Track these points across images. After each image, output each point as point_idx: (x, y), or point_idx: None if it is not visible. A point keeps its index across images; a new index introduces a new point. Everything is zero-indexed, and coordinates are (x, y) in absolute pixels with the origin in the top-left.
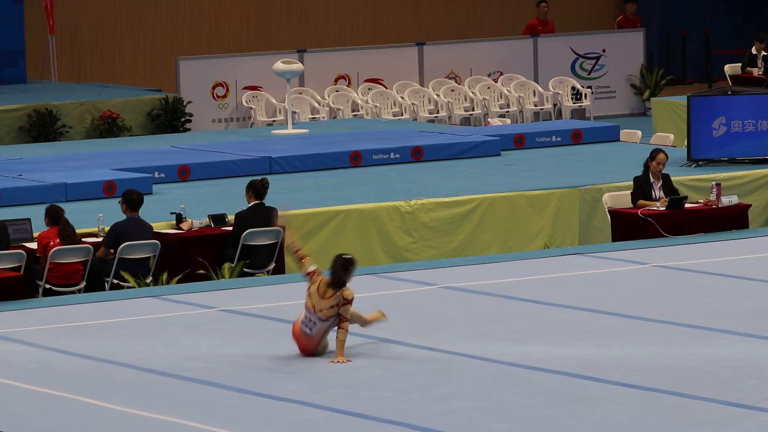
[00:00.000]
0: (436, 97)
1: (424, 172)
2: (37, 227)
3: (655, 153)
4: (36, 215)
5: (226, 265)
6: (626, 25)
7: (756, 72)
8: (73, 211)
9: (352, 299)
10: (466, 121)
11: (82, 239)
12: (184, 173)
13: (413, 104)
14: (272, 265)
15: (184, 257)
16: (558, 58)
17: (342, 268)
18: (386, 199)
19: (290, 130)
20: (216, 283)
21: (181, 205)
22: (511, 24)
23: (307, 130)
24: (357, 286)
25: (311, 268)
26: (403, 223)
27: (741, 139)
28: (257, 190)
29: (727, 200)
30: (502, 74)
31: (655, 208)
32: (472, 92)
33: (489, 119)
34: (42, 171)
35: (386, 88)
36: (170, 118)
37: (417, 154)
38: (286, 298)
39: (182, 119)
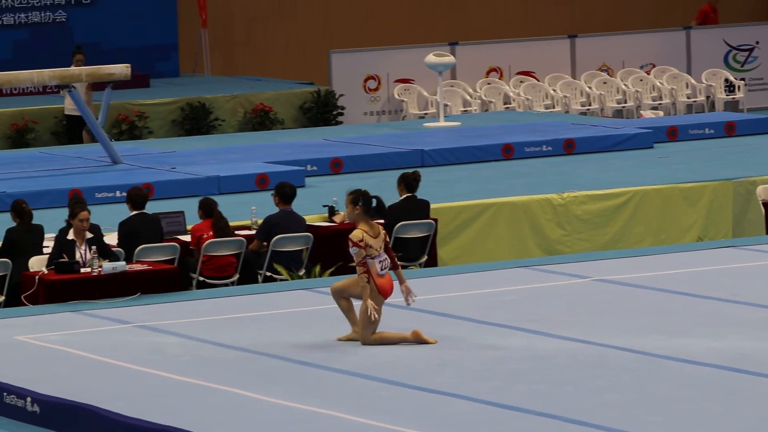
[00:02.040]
0: (588, 89)
1: (577, 165)
2: (190, 220)
3: None
4: (189, 208)
5: None
6: None
7: None
8: (226, 204)
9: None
10: (618, 113)
11: (235, 232)
12: (336, 166)
13: (565, 97)
14: (425, 258)
15: (336, 250)
16: (711, 50)
17: (370, 201)
18: (538, 191)
19: (442, 123)
20: None
21: (334, 197)
22: (664, 15)
23: (459, 123)
24: (510, 278)
25: (361, 255)
26: (555, 215)
27: None
28: (409, 182)
29: None
30: (654, 66)
31: None
32: (625, 84)
33: (641, 111)
34: (195, 164)
35: (538, 81)
36: (322, 111)
37: (569, 147)
38: (438, 291)
39: (334, 112)
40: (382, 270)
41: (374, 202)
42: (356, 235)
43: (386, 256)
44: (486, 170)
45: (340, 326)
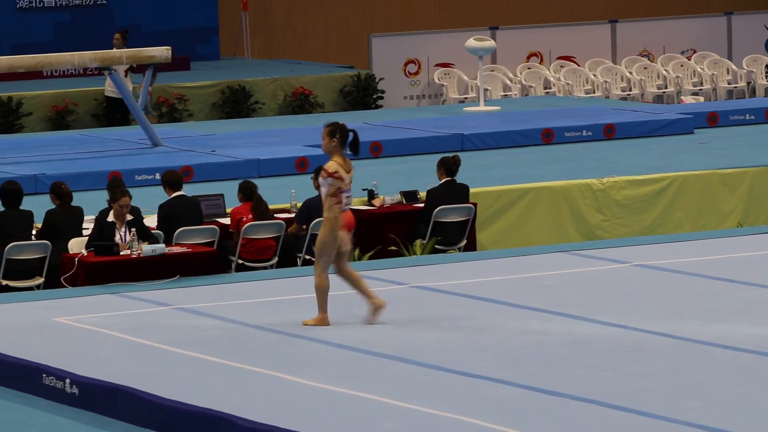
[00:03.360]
0: (628, 74)
1: (617, 150)
2: (230, 203)
3: None
4: (229, 191)
5: (418, 242)
6: None
7: None
8: (265, 187)
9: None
10: (658, 98)
11: (275, 215)
12: (376, 150)
13: (605, 82)
14: (464, 242)
15: (375, 234)
16: (752, 35)
17: (347, 134)
18: (578, 176)
19: (482, 108)
20: (407, 259)
21: (373, 181)
22: (704, 1)
23: (499, 108)
24: (549, 263)
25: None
26: (595, 200)
27: None
28: (449, 167)
29: None
30: (695, 52)
31: None
32: (665, 70)
33: (682, 97)
34: (235, 147)
35: (578, 66)
36: (362, 94)
37: (609, 132)
38: (477, 275)
39: (374, 96)
40: (345, 206)
41: (351, 136)
42: (331, 166)
43: (351, 193)
44: (526, 155)
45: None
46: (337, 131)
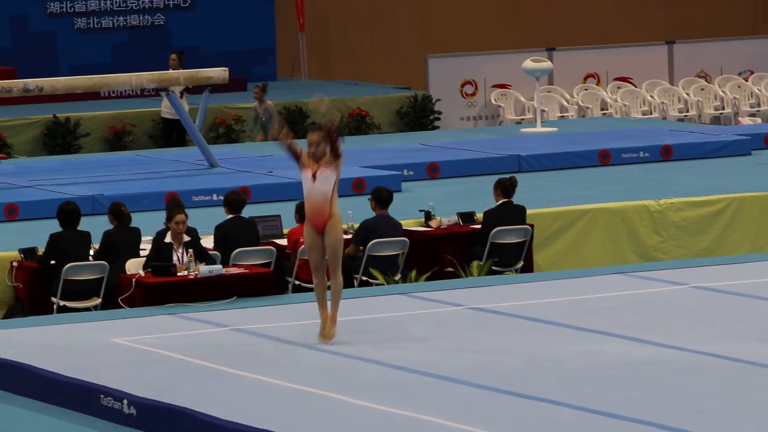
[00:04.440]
0: (685, 95)
1: (674, 171)
2: (287, 224)
3: None
4: (286, 212)
5: (475, 263)
6: None
7: None
8: None
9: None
10: (716, 120)
11: None
12: (433, 171)
13: (662, 103)
14: (521, 264)
15: (432, 255)
16: None
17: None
18: (635, 197)
19: (539, 129)
20: (464, 281)
21: (430, 202)
22: (762, 22)
23: (556, 129)
24: (606, 285)
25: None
26: (652, 222)
27: None
28: (506, 188)
29: None
30: (752, 73)
31: None
32: (723, 91)
33: (739, 118)
34: (292, 168)
35: (635, 87)
36: (419, 115)
37: (666, 153)
38: (534, 297)
39: (431, 117)
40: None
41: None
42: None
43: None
44: (582, 176)
45: (437, 331)
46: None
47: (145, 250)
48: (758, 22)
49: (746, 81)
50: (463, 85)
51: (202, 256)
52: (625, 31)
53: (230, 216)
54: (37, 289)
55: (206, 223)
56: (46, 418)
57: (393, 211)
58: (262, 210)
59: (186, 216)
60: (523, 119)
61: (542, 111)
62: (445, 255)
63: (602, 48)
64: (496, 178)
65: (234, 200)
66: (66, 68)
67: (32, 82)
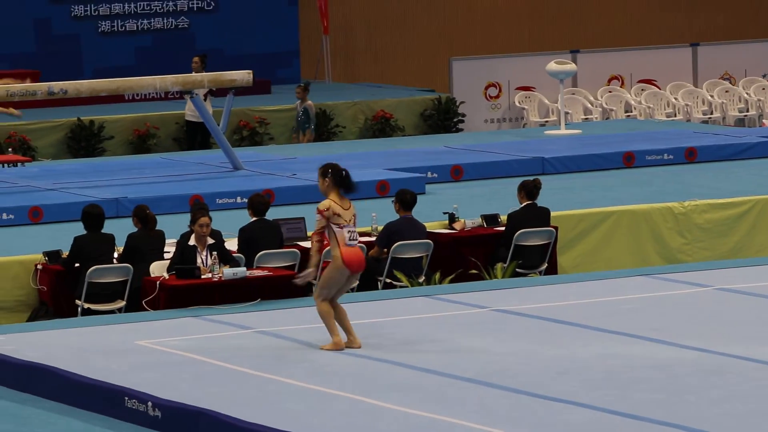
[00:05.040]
0: (710, 98)
1: (698, 174)
2: (310, 226)
3: None
4: (309, 214)
5: (499, 265)
6: None
7: None
8: None
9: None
10: (740, 122)
11: None
12: (456, 173)
13: (687, 105)
14: (545, 266)
15: (456, 257)
16: None
17: (339, 172)
18: (659, 200)
19: (563, 131)
20: (488, 282)
21: (454, 204)
22: None
23: (580, 131)
24: (630, 287)
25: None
26: (676, 224)
27: None
28: (530, 190)
29: None
30: None
31: None
32: (747, 93)
33: (764, 120)
34: (315, 170)
35: (659, 89)
36: (443, 118)
37: (691, 155)
38: (558, 299)
39: (455, 119)
40: (350, 240)
41: (343, 173)
42: (323, 204)
43: (355, 229)
44: (607, 178)
45: (461, 332)
46: (328, 171)
47: (169, 252)
48: None
49: None
50: (486, 88)
51: (226, 258)
52: (649, 34)
53: (254, 219)
54: (61, 292)
55: (230, 225)
56: (71, 420)
57: (417, 213)
58: (286, 213)
59: (210, 219)
60: (547, 121)
61: (566, 113)
62: (469, 257)
63: (626, 50)
64: (520, 180)
65: (258, 203)
66: (90, 71)
67: (56, 85)
